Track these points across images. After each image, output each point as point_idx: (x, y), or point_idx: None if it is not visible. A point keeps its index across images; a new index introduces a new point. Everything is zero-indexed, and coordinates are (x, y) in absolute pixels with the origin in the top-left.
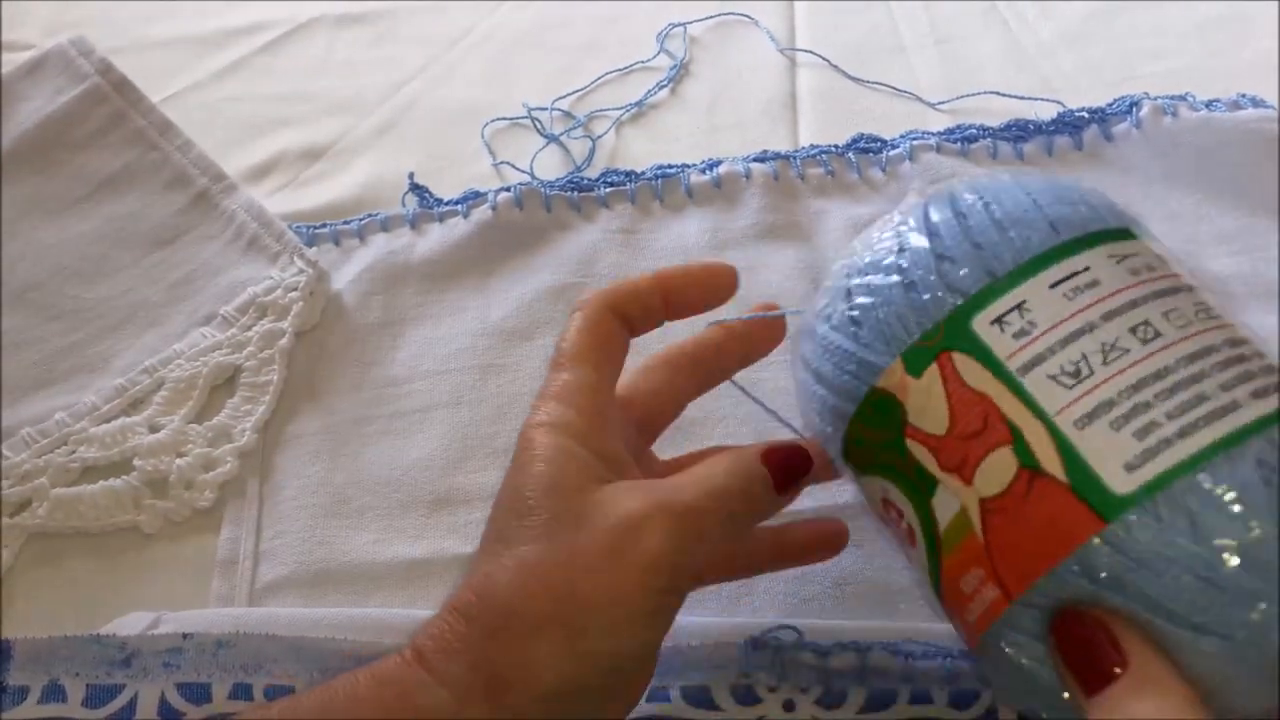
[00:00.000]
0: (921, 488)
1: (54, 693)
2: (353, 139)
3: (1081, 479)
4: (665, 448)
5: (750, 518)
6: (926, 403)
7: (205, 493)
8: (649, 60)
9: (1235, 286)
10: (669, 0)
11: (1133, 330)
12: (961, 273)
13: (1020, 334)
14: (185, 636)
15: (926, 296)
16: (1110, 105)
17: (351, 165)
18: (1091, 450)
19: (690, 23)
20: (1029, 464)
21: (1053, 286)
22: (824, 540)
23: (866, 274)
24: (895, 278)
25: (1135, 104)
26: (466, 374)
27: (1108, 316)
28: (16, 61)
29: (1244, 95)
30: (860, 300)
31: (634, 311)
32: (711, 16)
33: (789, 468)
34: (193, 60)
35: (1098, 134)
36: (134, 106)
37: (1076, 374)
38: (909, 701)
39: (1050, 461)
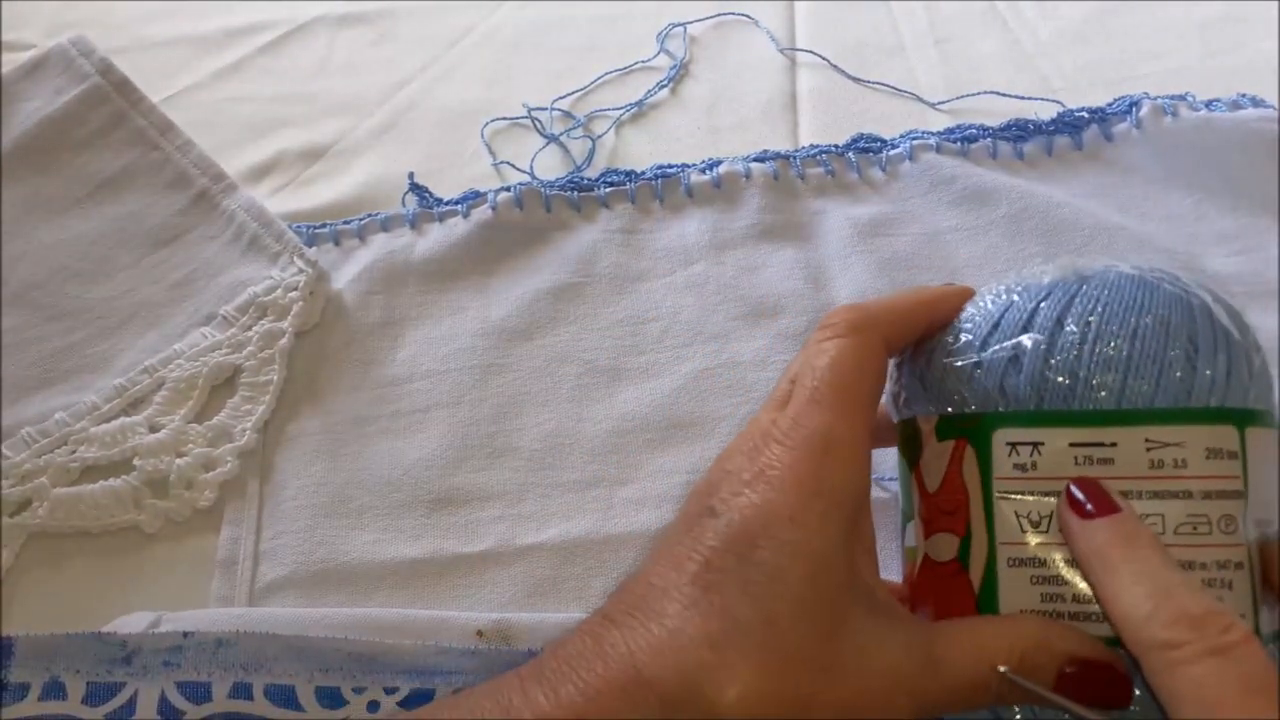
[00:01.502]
0: (910, 505)
1: (54, 690)
2: (353, 139)
3: (986, 599)
4: (660, 451)
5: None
6: (933, 463)
7: (205, 492)
8: (649, 60)
9: (1235, 286)
10: (669, 0)
11: None
12: (1019, 384)
13: (1019, 466)
14: (185, 635)
15: (980, 387)
16: (1110, 105)
17: (351, 165)
18: (1007, 585)
19: (690, 23)
20: (962, 561)
21: (1072, 445)
22: None
23: (967, 331)
24: (974, 357)
25: (1135, 104)
26: (466, 374)
27: None
28: (17, 61)
29: (1244, 95)
30: (953, 348)
31: (896, 343)
32: (711, 16)
33: (1093, 690)
34: (193, 60)
35: (1098, 134)
36: (134, 106)
37: (1036, 525)
38: None
39: (974, 572)
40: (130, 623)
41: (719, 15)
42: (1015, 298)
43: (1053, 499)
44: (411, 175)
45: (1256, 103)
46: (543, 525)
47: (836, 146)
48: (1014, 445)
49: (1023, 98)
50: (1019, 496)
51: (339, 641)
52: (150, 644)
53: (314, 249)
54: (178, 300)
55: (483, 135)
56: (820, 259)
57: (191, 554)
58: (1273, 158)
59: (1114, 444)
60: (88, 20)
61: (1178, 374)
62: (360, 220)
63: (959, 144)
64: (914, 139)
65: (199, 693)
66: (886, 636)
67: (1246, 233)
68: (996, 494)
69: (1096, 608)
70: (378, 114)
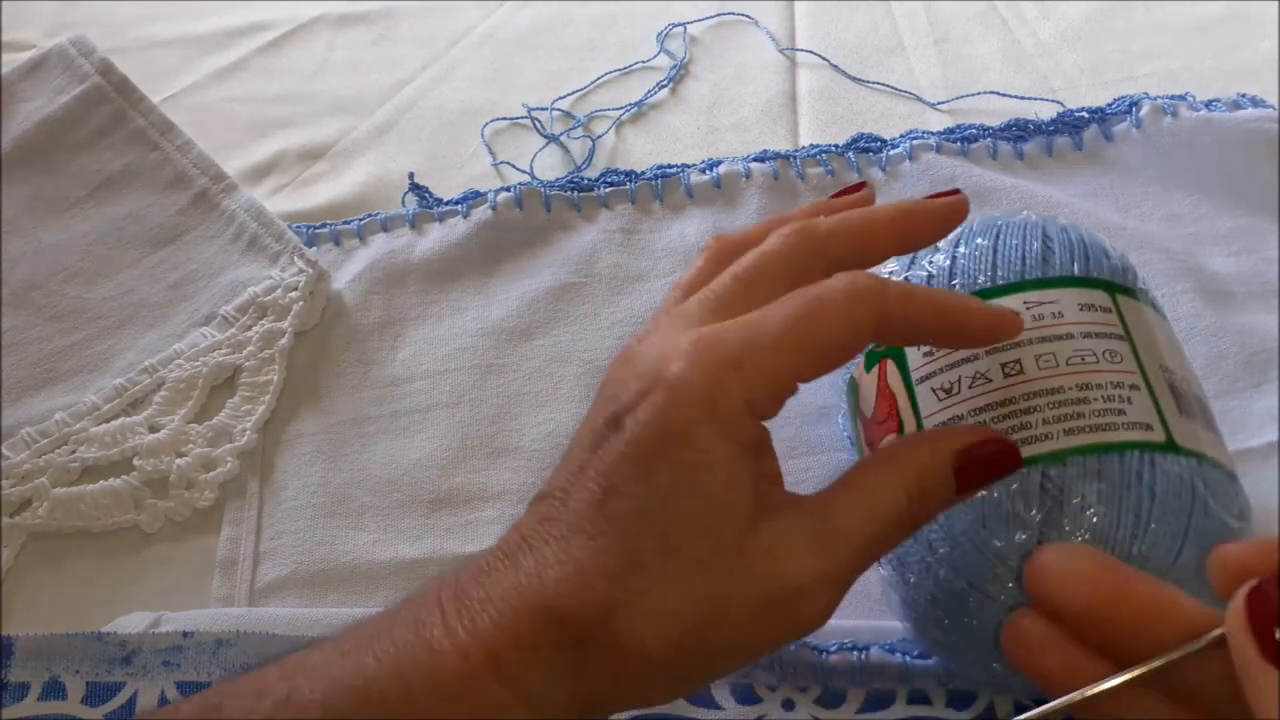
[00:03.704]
0: (861, 449)
1: (54, 690)
2: (353, 139)
3: None
4: None
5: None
6: (868, 393)
7: (205, 492)
8: (649, 60)
9: (1235, 286)
10: (669, 0)
11: (1003, 365)
12: None
13: (928, 353)
14: (185, 635)
15: None
16: (1110, 105)
17: (352, 165)
18: None
19: (690, 23)
20: None
21: None
22: None
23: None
24: None
25: (1135, 104)
26: (466, 374)
27: (991, 351)
28: (17, 61)
29: (1244, 95)
30: None
31: (844, 257)
32: (711, 16)
33: (988, 468)
34: (193, 60)
35: (1097, 134)
36: (134, 106)
37: (949, 391)
38: (907, 701)
39: None
40: (130, 623)
41: (719, 15)
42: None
43: (957, 369)
44: (411, 175)
45: (1256, 103)
46: None
47: (836, 146)
48: None
49: (1022, 98)
50: (932, 376)
51: None
52: (150, 644)
53: (314, 249)
54: (178, 300)
55: (483, 135)
56: None
57: (191, 554)
58: (1273, 158)
59: None
60: (88, 20)
61: (1037, 254)
62: (360, 220)
63: (959, 144)
64: (914, 139)
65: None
66: (791, 530)
67: (1246, 233)
68: (915, 381)
69: (1012, 439)
70: (378, 114)
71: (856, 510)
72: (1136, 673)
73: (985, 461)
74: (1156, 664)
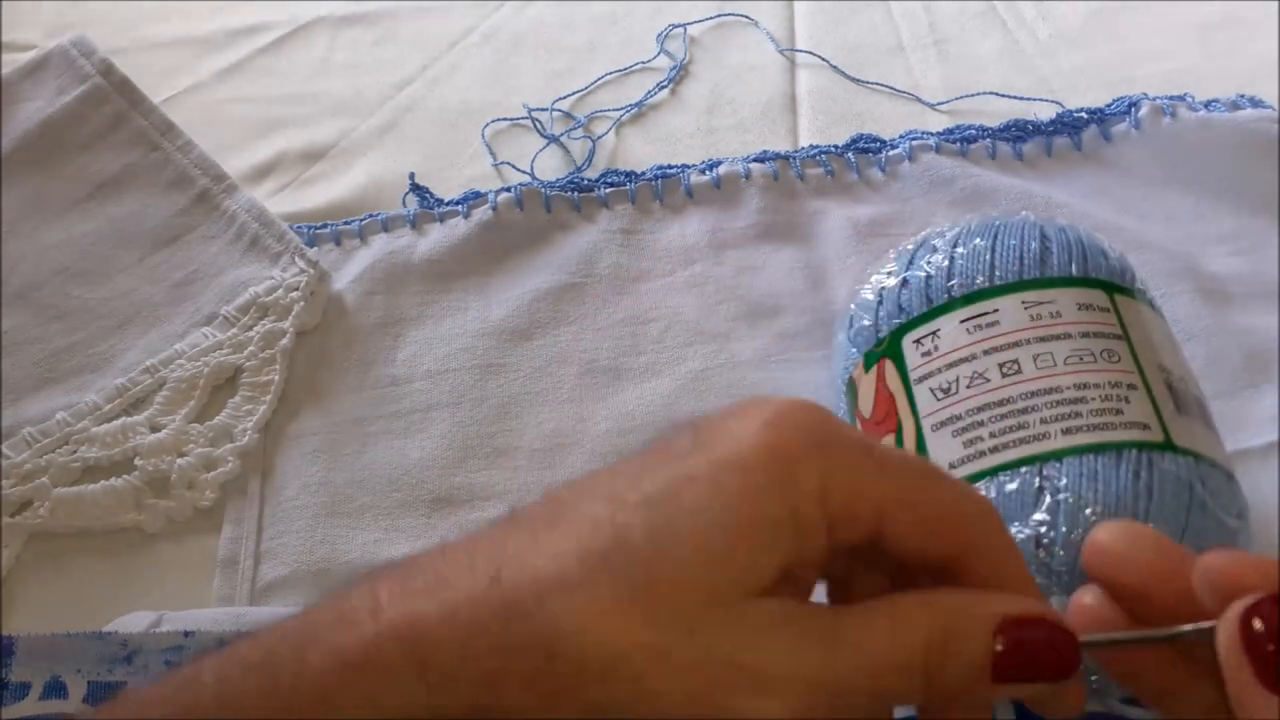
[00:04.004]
0: None
1: (55, 689)
2: (353, 139)
3: None
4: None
5: (922, 703)
6: (866, 393)
7: (206, 492)
8: (649, 61)
9: (1234, 286)
10: (669, 1)
11: (1001, 365)
12: (912, 300)
13: (926, 354)
14: (186, 635)
15: (883, 315)
16: (1109, 106)
17: (352, 165)
18: (934, 448)
19: (690, 23)
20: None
21: (963, 321)
22: None
23: (865, 292)
24: (874, 298)
25: (1134, 104)
26: (467, 374)
27: (989, 351)
28: (18, 62)
29: (1243, 96)
30: (855, 309)
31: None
32: (711, 17)
33: (1037, 656)
34: (194, 61)
35: (1097, 134)
36: (135, 107)
37: (947, 391)
38: None
39: (909, 450)
40: (131, 622)
41: (719, 16)
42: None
43: (955, 369)
44: (412, 175)
45: (1255, 103)
46: None
47: (836, 147)
48: (918, 340)
49: (1022, 98)
50: (930, 376)
51: None
52: (151, 643)
53: (315, 249)
54: (179, 300)
55: (483, 135)
56: (820, 259)
57: (192, 554)
58: (1272, 158)
59: (996, 310)
60: (88, 20)
61: (1036, 254)
62: (361, 220)
63: (958, 144)
64: (913, 139)
65: None
66: (783, 617)
67: (1246, 233)
68: (914, 381)
69: (1009, 438)
70: (378, 114)
71: (866, 632)
72: (1150, 634)
73: (1034, 648)
74: (1172, 633)
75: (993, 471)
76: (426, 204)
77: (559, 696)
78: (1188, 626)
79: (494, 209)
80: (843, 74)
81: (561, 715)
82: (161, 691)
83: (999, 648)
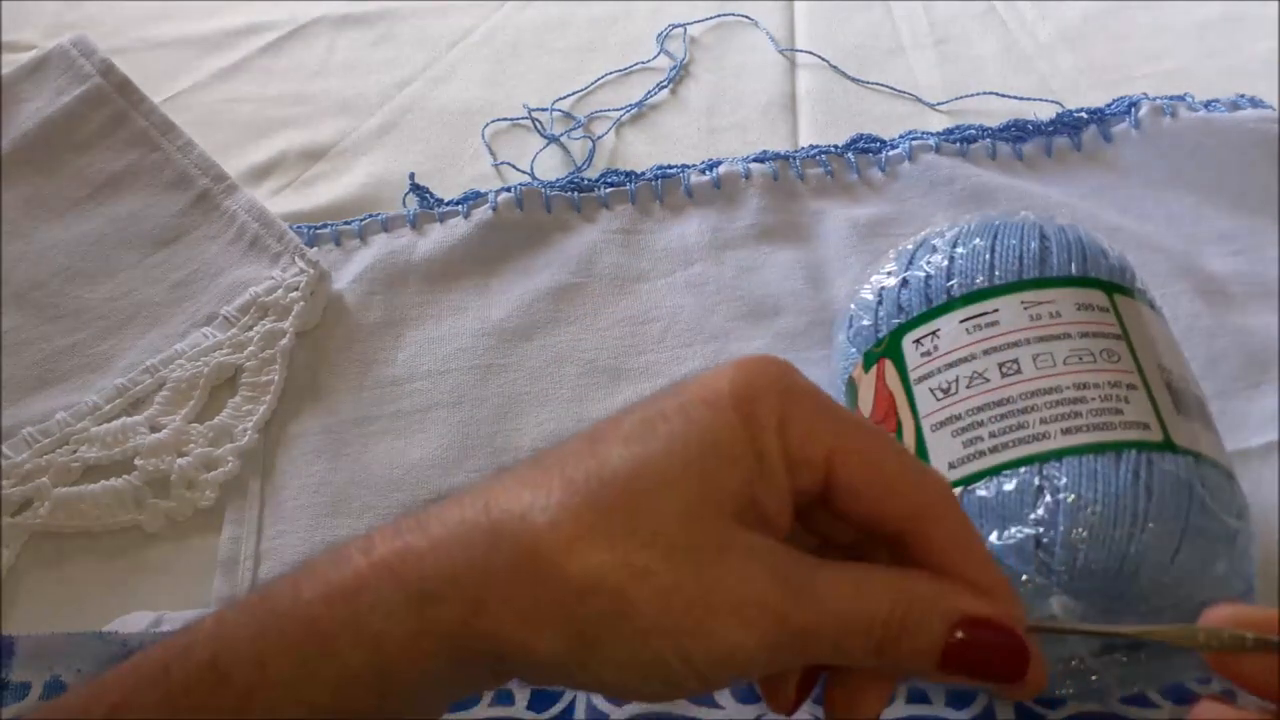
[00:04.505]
0: None
1: (55, 689)
2: (354, 139)
3: None
4: None
5: (872, 665)
6: (866, 393)
7: (206, 492)
8: (649, 61)
9: (1234, 286)
10: (669, 1)
11: (1000, 365)
12: (912, 300)
13: (926, 354)
14: None
15: (883, 315)
16: (1109, 106)
17: (352, 166)
18: (934, 448)
19: (690, 23)
20: None
21: (962, 321)
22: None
23: (864, 292)
24: (873, 298)
25: (1134, 104)
26: (467, 374)
27: (989, 351)
28: (18, 62)
29: (1243, 96)
30: (855, 309)
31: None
32: (711, 17)
33: (985, 657)
34: (194, 61)
35: (1096, 134)
36: (135, 107)
37: (947, 391)
38: (907, 701)
39: (909, 449)
40: (131, 622)
41: (719, 16)
42: (908, 245)
43: (955, 369)
44: (412, 176)
45: (1255, 103)
46: None
47: (836, 147)
48: (918, 340)
49: (1022, 98)
50: (930, 376)
51: None
52: (151, 643)
53: (315, 249)
54: (179, 300)
55: (483, 136)
56: (820, 259)
57: (193, 554)
58: (1272, 158)
59: (995, 310)
60: (89, 21)
61: (1035, 254)
62: (361, 220)
63: (958, 144)
64: (913, 139)
65: None
66: (760, 553)
67: (1246, 233)
68: (914, 381)
69: (1008, 438)
70: (378, 114)
71: (835, 585)
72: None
73: (985, 648)
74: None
75: (992, 471)
76: (426, 204)
77: (542, 613)
78: (1160, 627)
79: (494, 209)
80: (843, 74)
81: (545, 631)
82: (172, 638)
83: (956, 638)
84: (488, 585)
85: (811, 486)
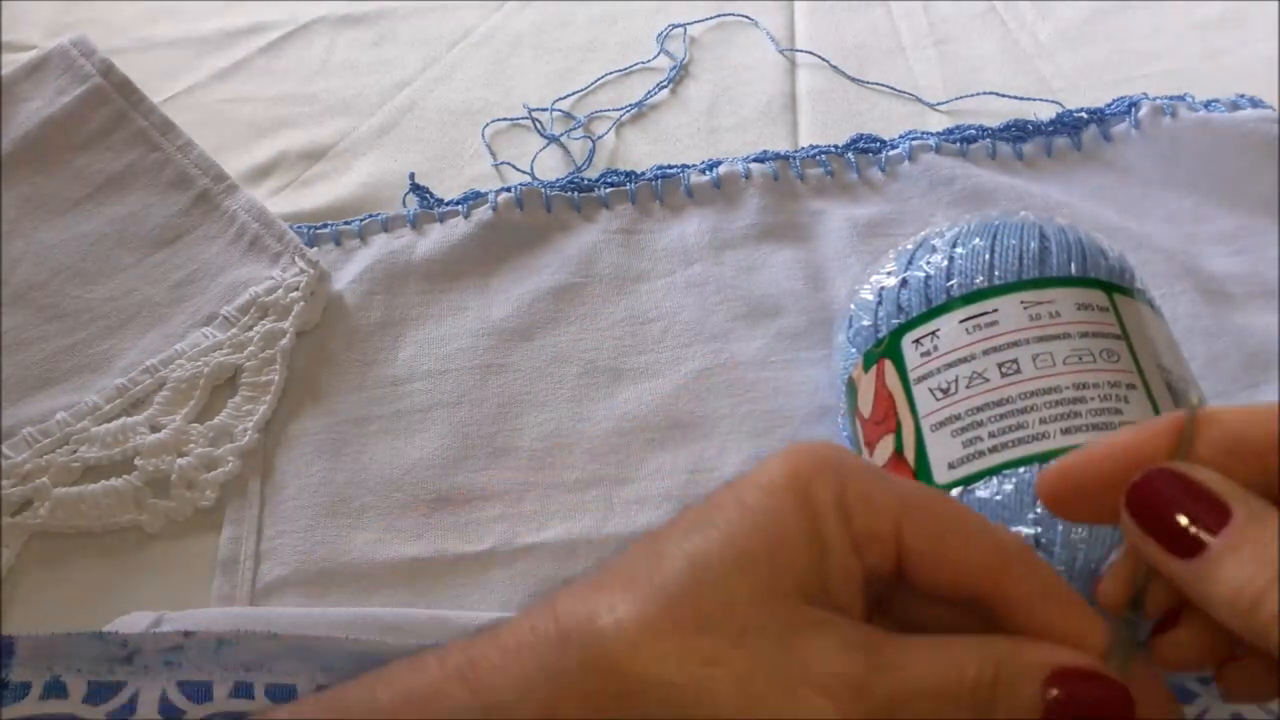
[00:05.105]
0: (859, 450)
1: (55, 689)
2: (353, 139)
3: (921, 467)
4: (660, 451)
5: None
6: (866, 393)
7: (207, 492)
8: (649, 61)
9: (1234, 287)
10: (669, 1)
11: (1000, 365)
12: (911, 300)
13: (925, 354)
14: (186, 635)
15: (883, 316)
16: (1109, 106)
17: (352, 166)
18: (933, 448)
19: (690, 23)
20: (898, 449)
21: (962, 321)
22: None
23: (864, 292)
24: (873, 298)
25: (1134, 104)
26: (467, 374)
27: (989, 351)
28: (18, 62)
29: (1243, 96)
30: (855, 309)
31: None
32: (711, 17)
33: (1089, 708)
34: (194, 61)
35: (1097, 134)
36: (135, 107)
37: (946, 391)
38: None
39: (908, 450)
40: (131, 622)
41: (719, 16)
42: (908, 245)
43: (954, 369)
44: (412, 175)
45: (1255, 103)
46: (543, 525)
47: (836, 147)
48: (917, 340)
49: (1022, 98)
50: (930, 376)
51: (340, 641)
52: (151, 643)
53: (315, 249)
54: (179, 300)
55: (483, 135)
56: (820, 259)
57: (192, 554)
58: (1272, 158)
59: (995, 310)
60: (89, 21)
61: (1035, 254)
62: (361, 220)
63: (958, 144)
64: (913, 139)
65: (200, 692)
66: (834, 627)
67: (1246, 233)
68: (913, 381)
69: (1008, 438)
70: (378, 114)
71: (912, 652)
72: None
73: (1083, 700)
74: None
75: (992, 471)
76: (426, 204)
77: (615, 712)
78: None
79: (494, 209)
80: (843, 74)
81: None
82: None
83: (1053, 696)
84: (558, 691)
85: (882, 563)
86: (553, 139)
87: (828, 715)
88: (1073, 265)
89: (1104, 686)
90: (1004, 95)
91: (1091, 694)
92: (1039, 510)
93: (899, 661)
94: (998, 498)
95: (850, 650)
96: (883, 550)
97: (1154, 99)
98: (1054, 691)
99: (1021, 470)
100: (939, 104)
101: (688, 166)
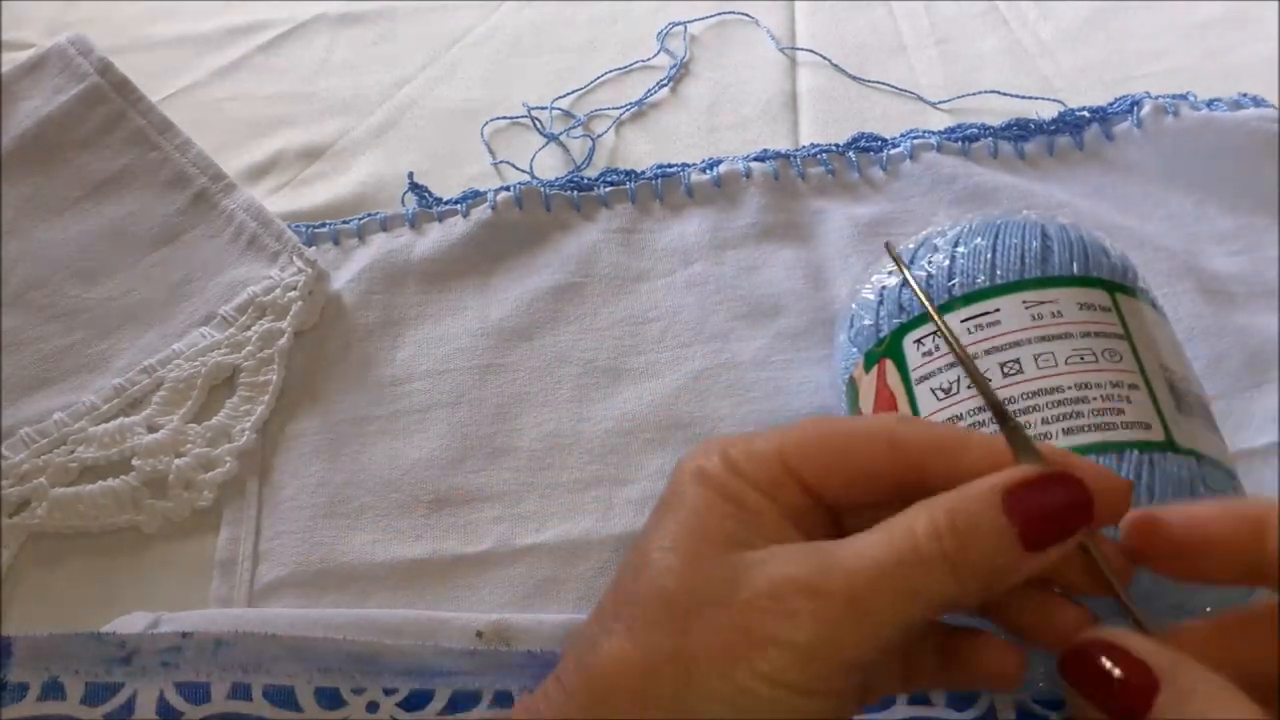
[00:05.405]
0: None
1: (53, 690)
2: (352, 138)
3: None
4: (660, 451)
5: (960, 594)
6: (867, 393)
7: (204, 493)
8: (649, 60)
9: (1235, 286)
10: (669, 0)
11: (1002, 365)
12: (913, 300)
13: (927, 353)
14: (184, 636)
15: (884, 315)
16: (1111, 105)
17: (351, 165)
18: None
19: (690, 22)
20: None
21: (964, 321)
22: (999, 669)
23: (865, 291)
24: (874, 297)
25: (1136, 103)
26: (466, 374)
27: (990, 351)
28: (16, 61)
29: (1244, 95)
30: (856, 309)
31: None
32: (712, 16)
33: (1053, 510)
34: (192, 59)
35: (1099, 133)
36: (133, 106)
37: (948, 391)
38: (908, 702)
39: None
40: (129, 623)
41: (719, 14)
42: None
43: (956, 369)
44: (411, 175)
45: (1257, 102)
46: (542, 526)
47: (837, 146)
48: (919, 340)
49: (1024, 97)
50: (931, 376)
51: (338, 642)
52: (149, 644)
53: (313, 249)
54: (176, 300)
55: (483, 135)
56: (820, 258)
57: (190, 554)
58: (1273, 158)
59: (997, 310)
60: (87, 20)
61: (1037, 254)
62: (360, 220)
63: (960, 143)
64: (915, 138)
65: (198, 693)
66: (771, 554)
67: (1246, 232)
68: (915, 381)
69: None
70: (377, 113)
71: (863, 540)
72: None
73: (1049, 507)
74: None
75: None
76: (425, 203)
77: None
78: None
79: (493, 208)
80: (844, 72)
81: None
82: None
83: (1015, 516)
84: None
85: (798, 498)
86: (552, 138)
87: (795, 632)
88: (1075, 265)
89: (1053, 480)
90: (1006, 94)
91: (1051, 493)
92: None
93: (846, 554)
94: None
95: (791, 563)
96: (790, 488)
97: (1156, 98)
98: (1014, 510)
99: None
100: (940, 103)
101: (688, 165)
